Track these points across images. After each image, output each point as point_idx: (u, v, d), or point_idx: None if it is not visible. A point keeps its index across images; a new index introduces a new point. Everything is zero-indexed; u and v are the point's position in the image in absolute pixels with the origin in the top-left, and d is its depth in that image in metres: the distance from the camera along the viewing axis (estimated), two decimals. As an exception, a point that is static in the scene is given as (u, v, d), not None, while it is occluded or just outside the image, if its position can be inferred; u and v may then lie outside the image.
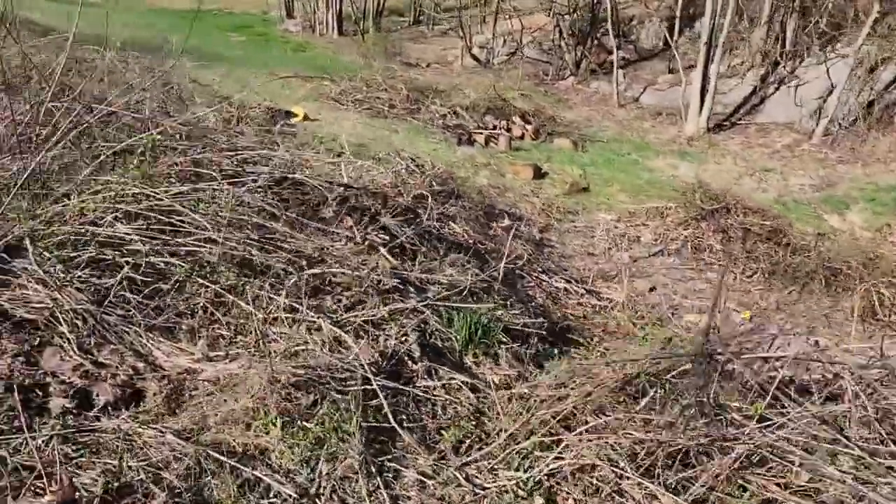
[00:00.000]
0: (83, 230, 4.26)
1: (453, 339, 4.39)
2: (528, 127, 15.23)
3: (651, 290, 7.90)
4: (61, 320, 3.90)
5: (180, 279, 4.29)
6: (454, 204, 8.29)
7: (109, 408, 3.54)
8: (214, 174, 4.90)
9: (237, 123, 8.82)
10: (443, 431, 3.61)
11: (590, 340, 5.38)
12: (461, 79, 19.38)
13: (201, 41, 20.27)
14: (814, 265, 8.26)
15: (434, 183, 8.44)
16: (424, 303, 4.47)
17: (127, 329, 4.08)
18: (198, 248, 4.37)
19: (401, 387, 3.84)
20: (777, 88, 16.06)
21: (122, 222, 4.36)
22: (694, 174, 13.02)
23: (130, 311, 4.14)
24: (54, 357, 3.80)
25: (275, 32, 26.16)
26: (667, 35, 17.87)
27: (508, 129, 14.86)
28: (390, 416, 3.49)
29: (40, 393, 3.56)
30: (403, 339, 4.27)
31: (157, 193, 4.40)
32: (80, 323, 3.95)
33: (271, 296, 4.33)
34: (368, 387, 3.73)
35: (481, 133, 14.19)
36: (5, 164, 4.58)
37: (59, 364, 3.77)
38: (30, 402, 3.48)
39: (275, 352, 4.08)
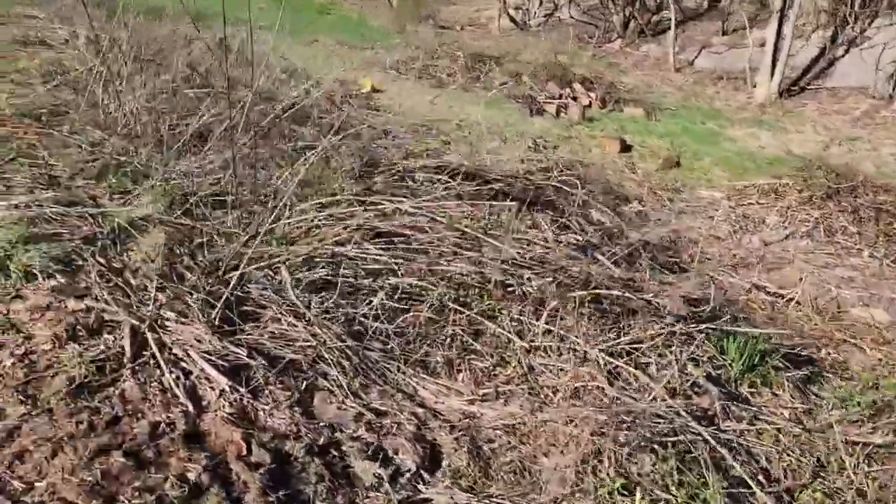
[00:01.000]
0: (324, 250, 3.75)
1: (727, 366, 3.93)
2: (593, 95, 14.64)
3: (800, 279, 7.45)
4: (328, 360, 3.42)
5: (433, 304, 3.79)
6: (583, 188, 7.79)
7: (422, 471, 3.08)
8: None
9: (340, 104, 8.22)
10: (793, 494, 3.16)
11: (817, 351, 4.94)
12: (505, 43, 18.62)
13: (219, 5, 19.38)
14: (961, 248, 7.84)
15: (562, 166, 7.93)
16: (699, 327, 3.99)
17: (388, 365, 3.60)
18: (447, 268, 3.86)
19: (710, 431, 3.39)
20: (847, 51, 15.48)
21: (367, 241, 3.84)
22: (779, 145, 12.57)
23: (388, 343, 3.66)
24: (328, 405, 3.33)
25: (294, -7, 25.19)
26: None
27: (575, 98, 14.27)
28: (744, 475, 3.03)
29: (335, 453, 3.09)
30: (683, 369, 3.80)
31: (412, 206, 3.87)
32: (345, 362, 3.47)
33: (531, 321, 3.85)
34: (690, 435, 3.27)
35: (552, 103, 13.60)
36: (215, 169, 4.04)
37: (338, 414, 3.29)
38: (331, 466, 3.02)
39: (549, 388, 3.63)
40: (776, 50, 14.67)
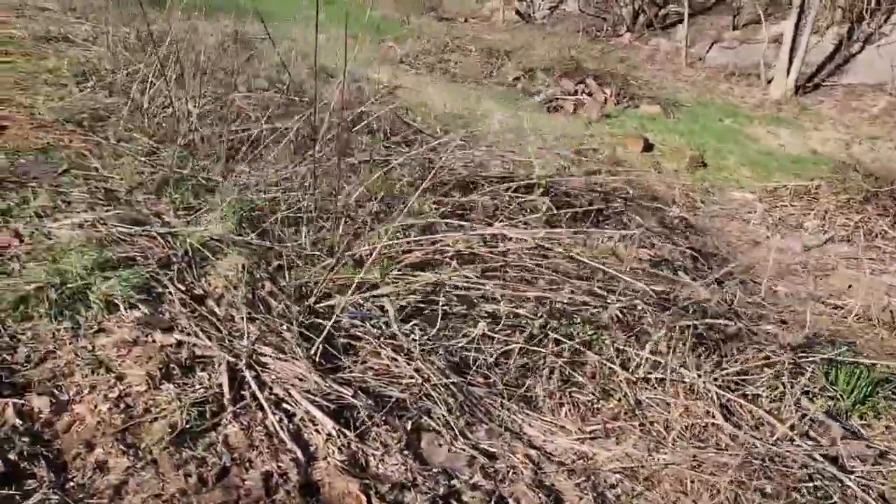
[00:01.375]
0: (421, 278, 3.50)
1: (839, 398, 3.73)
2: (607, 91, 14.42)
3: (849, 287, 7.28)
4: (434, 398, 3.18)
5: (533, 334, 3.56)
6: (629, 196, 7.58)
7: (552, 525, 2.86)
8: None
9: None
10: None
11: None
12: (512, 36, 18.38)
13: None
14: None
15: (605, 172, 7.72)
16: (809, 356, 3.78)
17: (492, 401, 3.37)
18: (548, 296, 3.63)
19: (846, 477, 3.19)
20: (863, 47, 15.34)
21: (461, 264, 3.59)
22: (800, 143, 12.44)
23: (490, 377, 3.43)
24: (437, 447, 3.09)
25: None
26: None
27: (590, 94, 14.04)
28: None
29: (455, 504, 2.86)
30: (797, 403, 3.60)
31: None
32: (450, 399, 3.23)
33: (637, 350, 3.62)
34: (825, 480, 3.07)
35: (568, 100, 13.38)
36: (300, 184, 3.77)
37: (449, 457, 3.06)
38: (454, 520, 2.79)
39: (659, 424, 3.42)
40: (793, 46, 14.49)
